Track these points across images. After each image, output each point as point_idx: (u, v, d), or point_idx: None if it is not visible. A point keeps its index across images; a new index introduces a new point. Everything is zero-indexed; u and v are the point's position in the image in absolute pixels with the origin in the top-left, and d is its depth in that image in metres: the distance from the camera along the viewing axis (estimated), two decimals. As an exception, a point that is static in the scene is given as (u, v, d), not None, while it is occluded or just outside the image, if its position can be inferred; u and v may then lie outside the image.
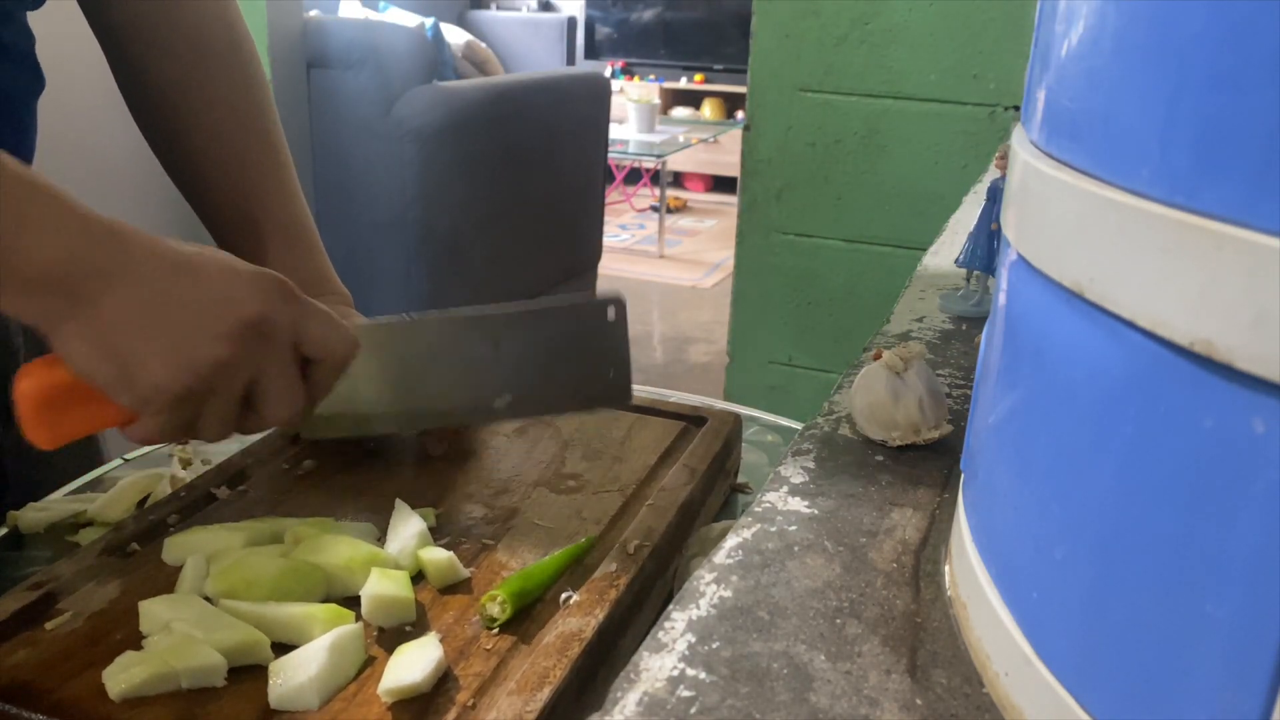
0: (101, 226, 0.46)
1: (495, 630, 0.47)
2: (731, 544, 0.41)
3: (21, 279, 0.44)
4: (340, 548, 0.51)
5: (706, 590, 0.38)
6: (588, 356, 0.61)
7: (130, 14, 0.68)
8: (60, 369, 0.47)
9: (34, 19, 0.67)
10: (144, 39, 0.68)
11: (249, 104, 0.70)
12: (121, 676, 0.43)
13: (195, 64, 0.68)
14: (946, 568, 0.40)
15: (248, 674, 0.44)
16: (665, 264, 4.28)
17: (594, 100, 2.72)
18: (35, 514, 0.63)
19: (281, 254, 0.68)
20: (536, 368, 0.61)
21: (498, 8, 4.35)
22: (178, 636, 0.45)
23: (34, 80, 0.68)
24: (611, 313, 0.60)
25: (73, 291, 0.45)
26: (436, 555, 0.51)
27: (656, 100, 4.72)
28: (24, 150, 0.69)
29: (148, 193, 1.87)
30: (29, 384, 0.47)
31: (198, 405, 0.48)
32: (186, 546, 0.52)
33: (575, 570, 0.52)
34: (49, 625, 0.47)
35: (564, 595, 0.50)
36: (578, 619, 0.47)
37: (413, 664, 0.43)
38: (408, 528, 0.54)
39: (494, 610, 0.47)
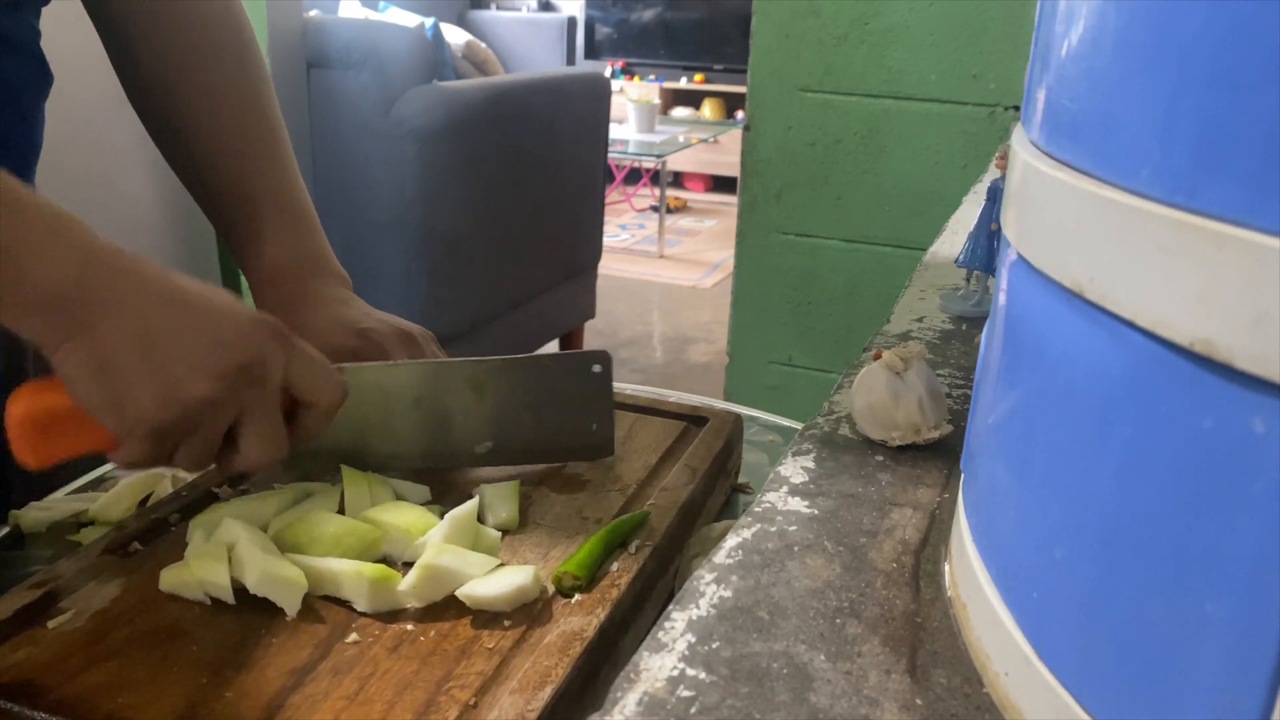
0: (107, 255, 0.47)
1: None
2: (731, 544, 0.41)
3: (23, 299, 0.45)
4: (404, 512, 0.55)
5: (706, 590, 0.38)
6: (572, 409, 0.63)
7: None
8: (52, 394, 0.47)
9: (45, 15, 0.67)
10: (142, 22, 0.68)
11: (246, 84, 0.70)
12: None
13: (192, 45, 0.68)
14: (946, 568, 0.40)
15: (250, 670, 0.44)
16: (665, 264, 4.28)
17: (594, 100, 2.71)
18: (37, 513, 0.63)
19: (280, 233, 0.68)
20: (520, 417, 0.62)
21: (498, 8, 4.35)
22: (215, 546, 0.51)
23: (42, 77, 0.68)
24: (597, 368, 0.62)
25: (72, 316, 0.46)
26: (490, 534, 0.54)
27: (656, 100, 4.72)
28: (31, 147, 0.69)
29: (154, 189, 1.87)
30: (21, 407, 0.48)
31: (180, 438, 0.49)
32: (210, 524, 0.54)
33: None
34: (51, 624, 0.47)
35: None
36: (579, 618, 0.48)
37: (499, 580, 0.48)
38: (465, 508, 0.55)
39: (568, 582, 0.50)
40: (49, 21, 0.67)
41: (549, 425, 0.63)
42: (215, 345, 0.48)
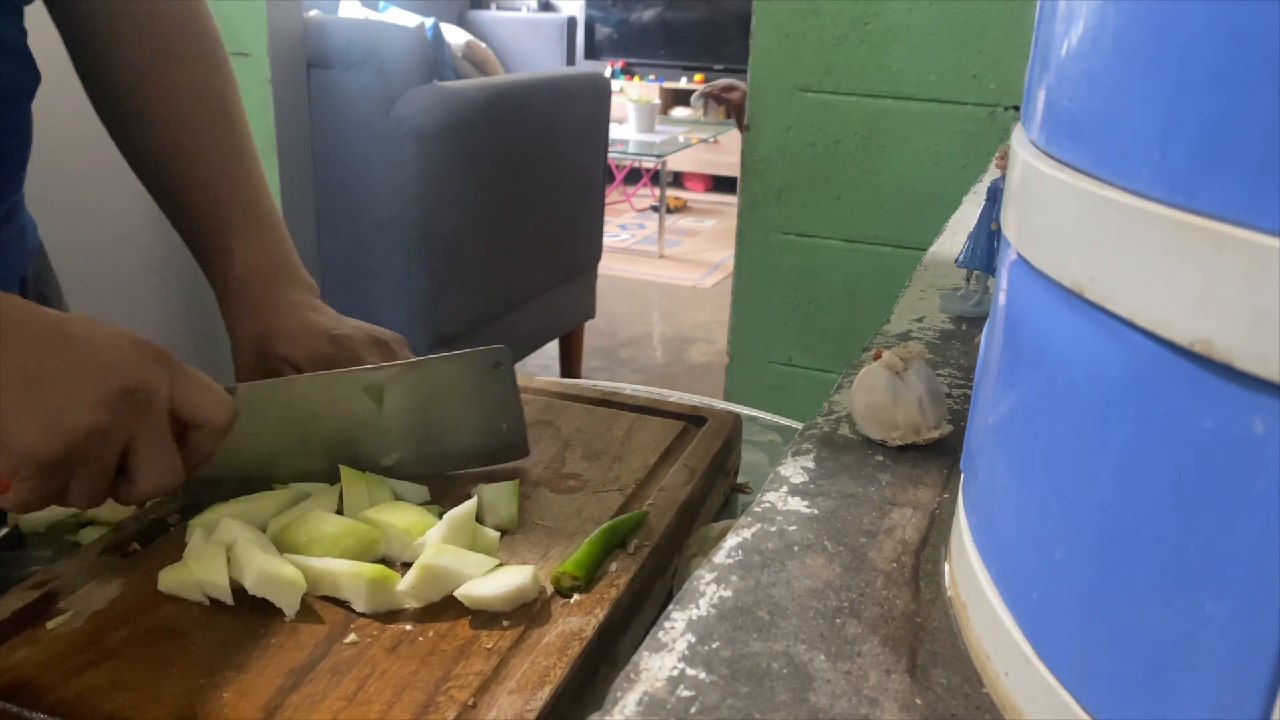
0: None
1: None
2: (731, 544, 0.41)
3: None
4: (402, 512, 0.54)
5: (706, 590, 0.38)
6: (477, 411, 0.61)
7: (93, 3, 0.67)
8: None
9: (29, 15, 0.67)
10: (107, 27, 0.68)
11: (211, 88, 0.70)
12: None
13: (159, 50, 0.68)
14: (946, 568, 0.40)
15: (248, 670, 0.44)
16: (665, 264, 4.28)
17: (594, 100, 2.72)
18: (36, 513, 0.63)
19: (248, 240, 0.68)
20: (423, 424, 0.60)
21: (498, 8, 4.34)
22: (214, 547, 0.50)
23: (30, 76, 0.67)
24: (498, 365, 0.60)
25: None
26: (488, 534, 0.54)
27: (656, 100, 4.73)
28: (21, 146, 0.68)
29: (140, 192, 1.86)
30: None
31: (70, 472, 0.48)
32: (209, 524, 0.54)
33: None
34: (50, 624, 0.47)
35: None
36: (578, 618, 0.47)
37: (498, 580, 0.48)
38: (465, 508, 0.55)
39: (567, 583, 0.50)
40: (42, 22, 0.67)
41: (456, 430, 0.61)
42: (97, 373, 0.47)
